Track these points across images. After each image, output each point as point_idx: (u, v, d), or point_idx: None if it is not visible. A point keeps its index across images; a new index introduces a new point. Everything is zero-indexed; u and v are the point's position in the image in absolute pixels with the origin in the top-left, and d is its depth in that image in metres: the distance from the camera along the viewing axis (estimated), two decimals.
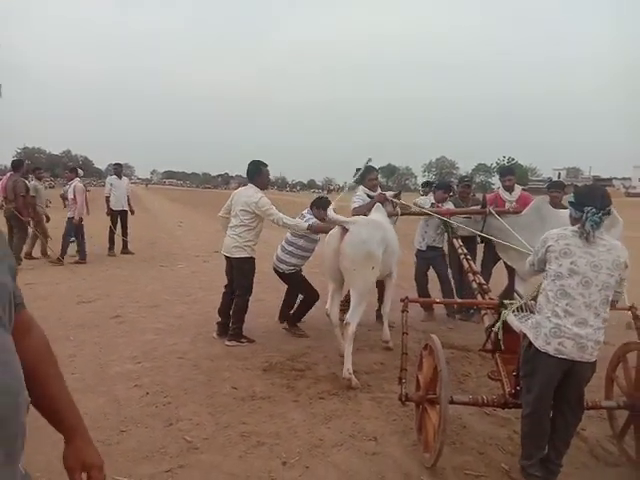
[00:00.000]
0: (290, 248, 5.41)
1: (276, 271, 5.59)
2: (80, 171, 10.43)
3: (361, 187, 5.79)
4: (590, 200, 2.66)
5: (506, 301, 3.38)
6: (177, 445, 3.17)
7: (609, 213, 2.69)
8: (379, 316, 5.93)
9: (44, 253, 9.84)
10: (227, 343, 5.04)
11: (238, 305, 5.14)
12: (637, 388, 3.04)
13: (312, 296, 5.48)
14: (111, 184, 10.54)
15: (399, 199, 5.62)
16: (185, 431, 3.34)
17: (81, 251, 9.61)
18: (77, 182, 9.70)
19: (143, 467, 2.94)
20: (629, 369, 3.15)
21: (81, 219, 9.47)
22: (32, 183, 9.70)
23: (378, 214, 5.11)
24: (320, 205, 5.41)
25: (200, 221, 20.88)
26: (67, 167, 10.84)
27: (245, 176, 5.39)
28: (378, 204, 5.32)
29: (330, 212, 4.77)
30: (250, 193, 5.10)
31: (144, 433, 3.31)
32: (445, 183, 6.74)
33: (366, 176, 5.76)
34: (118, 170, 10.97)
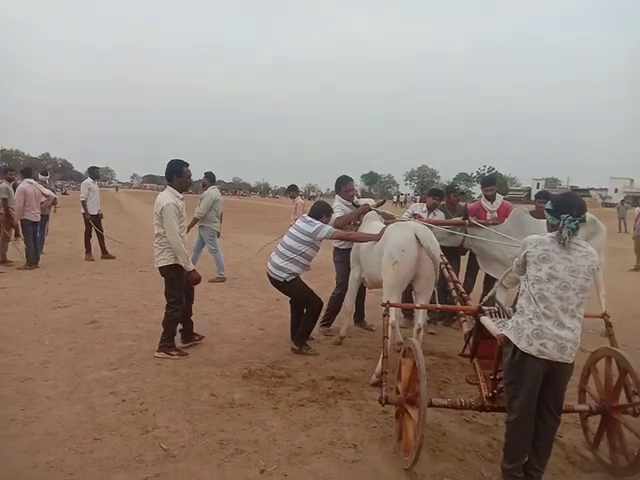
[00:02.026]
0: (293, 255, 4.94)
1: (274, 280, 5.08)
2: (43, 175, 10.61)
3: (337, 197, 5.78)
4: (567, 208, 2.74)
5: (485, 307, 3.44)
6: (153, 453, 3.11)
7: (584, 221, 2.78)
8: (357, 320, 6.03)
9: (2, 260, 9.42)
10: (156, 354, 4.76)
11: (167, 316, 4.81)
12: (607, 392, 3.15)
13: (317, 304, 5.08)
14: (89, 188, 10.38)
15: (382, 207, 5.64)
16: (162, 439, 3.28)
17: (28, 255, 9.20)
18: (23, 183, 9.37)
19: (118, 476, 2.87)
20: (599, 376, 3.27)
21: (32, 222, 9.27)
22: (2, 185, 9.46)
23: (379, 222, 5.17)
24: (328, 213, 5.16)
25: None
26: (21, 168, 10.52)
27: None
28: (374, 213, 5.34)
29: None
30: (162, 197, 4.78)
31: (119, 441, 3.24)
32: (437, 190, 6.64)
33: (341, 187, 5.72)
34: (95, 173, 10.83)
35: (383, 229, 4.81)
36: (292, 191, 10.83)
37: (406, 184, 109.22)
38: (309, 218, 5.09)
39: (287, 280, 4.99)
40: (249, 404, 3.82)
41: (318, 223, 4.96)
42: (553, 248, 2.72)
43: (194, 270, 4.87)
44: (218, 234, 8.82)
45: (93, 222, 10.37)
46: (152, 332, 5.56)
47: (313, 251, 5.04)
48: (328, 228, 4.95)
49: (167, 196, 4.76)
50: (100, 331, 5.53)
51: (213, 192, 8.63)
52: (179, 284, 4.83)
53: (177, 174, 4.80)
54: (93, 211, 10.38)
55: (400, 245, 4.42)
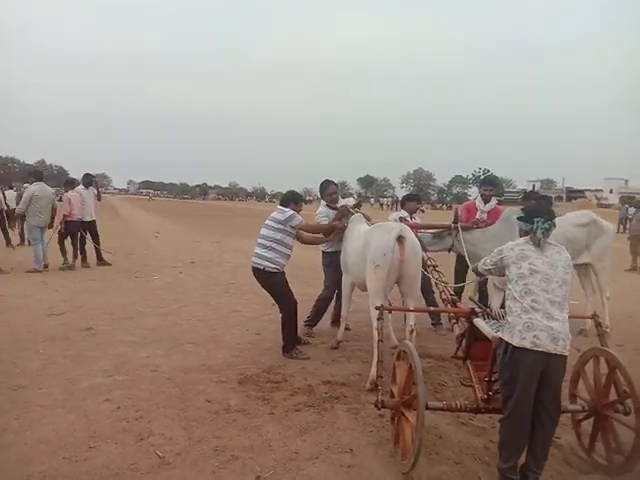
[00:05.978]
0: (269, 243, 5.03)
1: (255, 269, 5.12)
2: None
3: (322, 202, 5.91)
4: (539, 213, 2.95)
5: (477, 308, 3.46)
6: (148, 461, 3.08)
7: (555, 225, 2.95)
8: (334, 321, 6.03)
9: None
10: None
11: None
12: (597, 392, 3.17)
13: (291, 305, 5.14)
14: (80, 194, 10.41)
15: (360, 208, 5.62)
16: (157, 446, 3.25)
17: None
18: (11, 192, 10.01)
19: None
20: (588, 378, 3.29)
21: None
22: None
23: (365, 225, 5.17)
24: (297, 200, 5.35)
25: (177, 232, 20.67)
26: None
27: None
28: (360, 216, 5.35)
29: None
30: None
31: (114, 449, 3.21)
32: (416, 195, 7.12)
33: (325, 191, 5.84)
34: (87, 180, 10.86)
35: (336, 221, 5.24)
36: (68, 185, 10.66)
37: (402, 187, 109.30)
38: (281, 207, 5.29)
39: (267, 270, 5.04)
40: (245, 410, 3.80)
41: (289, 211, 5.14)
42: (529, 248, 2.91)
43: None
44: (44, 228, 9.73)
45: (87, 229, 10.40)
46: (147, 338, 5.55)
47: (289, 238, 5.15)
48: (299, 218, 5.13)
49: None
50: (95, 338, 5.50)
51: (32, 188, 9.61)
52: None
53: None
54: (86, 217, 10.39)
55: (381, 248, 4.42)
